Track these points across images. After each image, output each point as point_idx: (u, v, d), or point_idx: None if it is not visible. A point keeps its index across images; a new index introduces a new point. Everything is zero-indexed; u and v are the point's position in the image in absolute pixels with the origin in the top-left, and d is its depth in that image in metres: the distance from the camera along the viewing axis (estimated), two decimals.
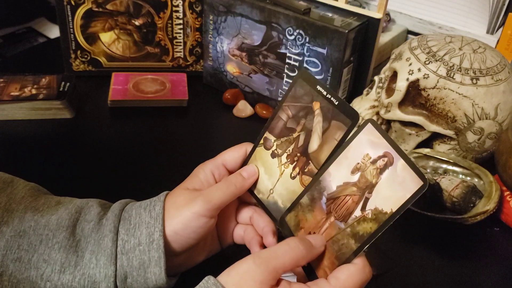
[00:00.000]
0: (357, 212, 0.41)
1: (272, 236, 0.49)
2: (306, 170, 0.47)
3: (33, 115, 0.78)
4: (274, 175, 0.49)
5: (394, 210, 0.39)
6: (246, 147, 0.52)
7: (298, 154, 0.47)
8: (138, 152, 0.74)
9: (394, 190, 0.39)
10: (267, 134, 0.50)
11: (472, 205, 0.63)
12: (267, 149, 0.50)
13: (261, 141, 0.51)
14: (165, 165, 0.72)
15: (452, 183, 0.64)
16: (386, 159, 0.41)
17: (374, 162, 0.41)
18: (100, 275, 0.45)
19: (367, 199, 0.41)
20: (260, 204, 0.50)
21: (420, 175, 0.38)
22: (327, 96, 0.45)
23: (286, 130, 0.49)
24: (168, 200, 0.48)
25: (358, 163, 0.42)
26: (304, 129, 0.47)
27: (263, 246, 0.49)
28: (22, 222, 0.46)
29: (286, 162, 0.48)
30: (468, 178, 0.67)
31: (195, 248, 0.49)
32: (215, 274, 0.40)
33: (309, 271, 0.44)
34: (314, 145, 0.46)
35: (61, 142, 0.75)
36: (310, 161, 0.46)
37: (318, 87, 0.46)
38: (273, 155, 0.49)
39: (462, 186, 0.63)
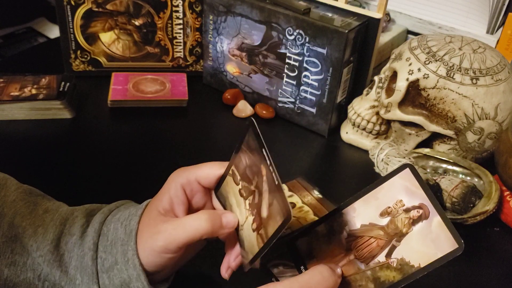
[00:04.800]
0: (381, 258, 0.40)
1: (234, 258, 0.46)
2: (260, 232, 0.41)
3: (33, 115, 0.78)
4: (242, 214, 0.44)
5: (422, 266, 0.38)
6: (224, 166, 0.46)
7: (255, 211, 0.42)
8: (138, 152, 0.74)
9: (425, 246, 0.38)
10: (234, 168, 0.44)
11: (471, 205, 0.63)
12: (236, 184, 0.44)
13: (230, 171, 0.45)
14: (165, 165, 0.71)
15: (452, 183, 0.64)
16: (421, 211, 0.39)
17: (407, 210, 0.40)
18: None
19: (394, 247, 0.39)
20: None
21: (457, 237, 0.37)
22: (270, 168, 0.39)
23: (246, 176, 0.43)
24: (142, 220, 0.46)
25: (389, 207, 0.41)
26: (257, 188, 0.41)
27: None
28: (12, 227, 0.45)
29: (249, 209, 0.43)
30: (468, 178, 0.67)
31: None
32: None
33: None
34: (264, 212, 0.41)
35: (61, 142, 0.75)
36: (262, 226, 0.41)
37: (263, 151, 0.39)
38: (240, 194, 0.44)
39: (462, 186, 0.63)
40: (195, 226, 0.43)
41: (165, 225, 0.44)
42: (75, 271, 0.45)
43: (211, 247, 0.52)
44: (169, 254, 0.43)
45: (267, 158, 0.39)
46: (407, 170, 0.41)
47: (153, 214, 0.45)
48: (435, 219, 0.38)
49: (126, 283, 0.45)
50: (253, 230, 0.42)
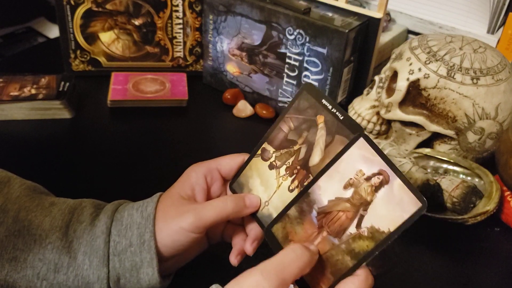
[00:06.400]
0: (352, 229, 0.41)
1: (251, 243, 0.48)
2: (305, 184, 0.45)
3: (32, 115, 0.78)
4: (271, 187, 0.48)
5: (391, 230, 0.38)
6: (245, 156, 0.50)
7: (298, 167, 0.46)
8: (138, 152, 0.74)
9: (391, 210, 0.39)
10: (265, 145, 0.49)
11: (472, 205, 0.62)
12: (265, 160, 0.49)
13: (259, 152, 0.50)
14: (165, 165, 0.71)
15: (452, 183, 0.63)
16: (381, 177, 0.40)
17: (368, 179, 0.40)
18: (94, 276, 0.45)
19: (362, 216, 0.40)
20: (253, 216, 0.49)
21: (419, 196, 0.38)
22: (332, 110, 0.44)
23: (286, 142, 0.48)
24: (160, 205, 0.48)
25: (351, 179, 0.41)
26: (306, 142, 0.46)
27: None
28: (16, 222, 0.46)
29: (284, 175, 0.47)
30: (469, 178, 0.67)
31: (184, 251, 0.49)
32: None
33: (303, 286, 0.43)
34: (316, 158, 0.45)
35: (61, 142, 0.75)
36: (310, 175, 0.45)
37: (323, 101, 0.45)
38: (271, 167, 0.48)
39: (463, 187, 0.63)
40: (222, 206, 0.46)
41: (194, 205, 0.46)
42: (84, 257, 0.45)
43: (210, 250, 0.52)
44: (195, 233, 0.45)
45: (328, 104, 0.45)
46: (361, 139, 0.42)
47: (175, 198, 0.48)
48: (396, 182, 0.39)
49: (136, 267, 0.46)
50: (291, 190, 0.46)
